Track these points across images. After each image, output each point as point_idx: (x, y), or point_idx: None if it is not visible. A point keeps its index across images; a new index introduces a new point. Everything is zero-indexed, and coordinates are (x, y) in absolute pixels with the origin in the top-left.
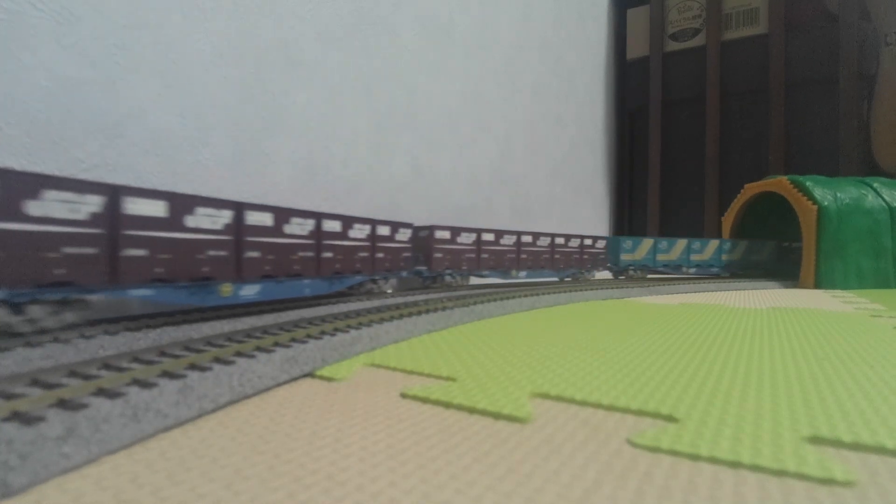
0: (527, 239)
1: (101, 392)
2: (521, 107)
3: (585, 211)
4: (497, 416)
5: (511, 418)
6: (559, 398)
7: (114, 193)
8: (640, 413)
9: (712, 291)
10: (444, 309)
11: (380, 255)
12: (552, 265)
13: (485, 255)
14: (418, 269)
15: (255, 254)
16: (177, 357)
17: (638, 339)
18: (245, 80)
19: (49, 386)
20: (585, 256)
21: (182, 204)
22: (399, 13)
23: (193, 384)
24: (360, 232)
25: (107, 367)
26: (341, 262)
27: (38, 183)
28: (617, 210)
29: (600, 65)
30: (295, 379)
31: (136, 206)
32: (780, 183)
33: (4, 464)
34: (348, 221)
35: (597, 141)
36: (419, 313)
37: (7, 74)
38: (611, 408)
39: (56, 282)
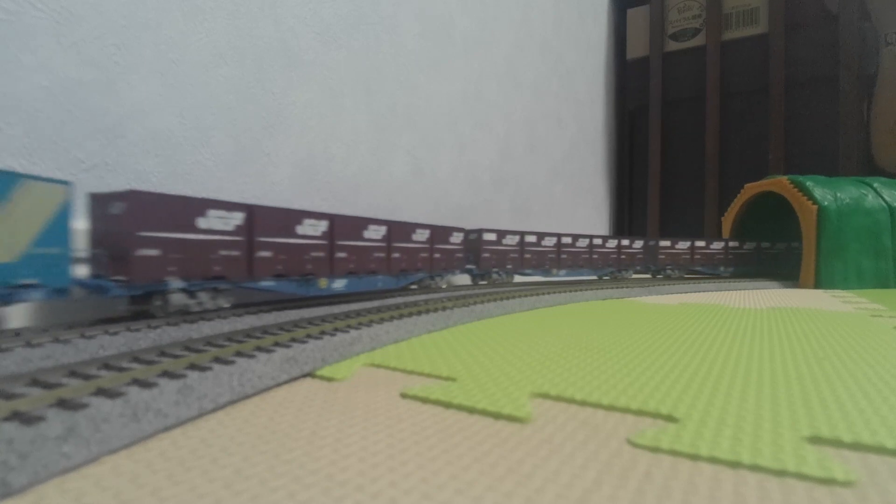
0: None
1: (101, 392)
2: (521, 107)
3: (585, 211)
4: (497, 416)
5: (511, 418)
6: (559, 398)
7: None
8: (640, 413)
9: (712, 291)
10: (444, 309)
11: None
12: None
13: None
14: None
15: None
16: (177, 357)
17: (638, 339)
18: (245, 80)
19: (49, 386)
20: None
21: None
22: (399, 13)
23: (193, 384)
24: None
25: (107, 367)
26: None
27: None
28: (617, 210)
29: (600, 64)
30: (295, 379)
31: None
32: (780, 183)
33: (4, 463)
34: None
35: (597, 141)
36: (419, 313)
37: (7, 74)
38: (611, 408)
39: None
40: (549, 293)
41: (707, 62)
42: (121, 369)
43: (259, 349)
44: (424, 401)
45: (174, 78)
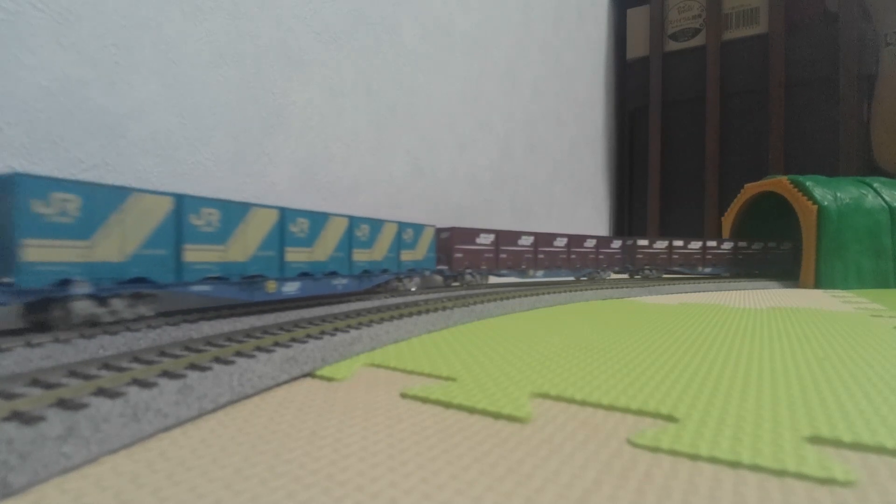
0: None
1: (101, 392)
2: (521, 106)
3: (585, 211)
4: (497, 416)
5: (511, 418)
6: (559, 398)
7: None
8: (640, 413)
9: (712, 291)
10: (444, 309)
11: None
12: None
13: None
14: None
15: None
16: (177, 357)
17: (638, 339)
18: (245, 80)
19: (49, 386)
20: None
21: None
22: (399, 13)
23: (193, 384)
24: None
25: (107, 366)
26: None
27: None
28: (617, 210)
29: (600, 65)
30: (295, 379)
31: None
32: (780, 183)
33: (4, 463)
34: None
35: (597, 141)
36: (419, 313)
37: (7, 74)
38: (611, 408)
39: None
40: (549, 293)
41: (707, 62)
42: (121, 369)
43: (259, 349)
44: (424, 401)
45: (174, 78)
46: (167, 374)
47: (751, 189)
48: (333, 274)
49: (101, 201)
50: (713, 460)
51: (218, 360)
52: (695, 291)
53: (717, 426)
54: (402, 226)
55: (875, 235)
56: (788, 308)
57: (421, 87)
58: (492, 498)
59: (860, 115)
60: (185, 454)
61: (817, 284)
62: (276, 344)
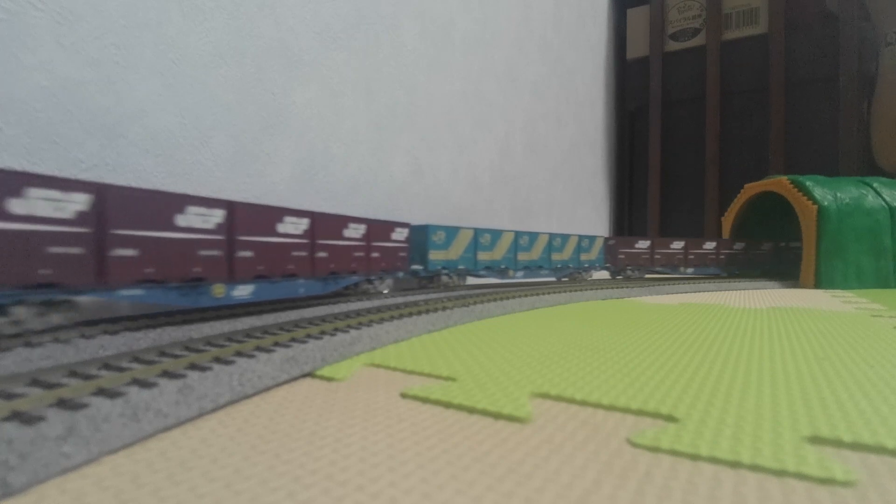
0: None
1: (101, 392)
2: (521, 107)
3: (585, 211)
4: (497, 416)
5: (511, 418)
6: (559, 398)
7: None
8: (640, 413)
9: (712, 291)
10: (444, 309)
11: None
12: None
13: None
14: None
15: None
16: (177, 357)
17: (638, 339)
18: (245, 80)
19: (49, 386)
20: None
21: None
22: (399, 13)
23: (193, 384)
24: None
25: (107, 366)
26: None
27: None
28: (617, 210)
29: (600, 65)
30: (295, 379)
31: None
32: (780, 183)
33: (4, 463)
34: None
35: (597, 141)
36: (419, 313)
37: (7, 74)
38: (611, 408)
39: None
40: (548, 293)
41: (707, 62)
42: (121, 369)
43: (259, 349)
44: (424, 401)
45: (174, 78)
46: (167, 374)
47: (751, 189)
48: (506, 269)
49: (452, 233)
50: (713, 460)
51: (218, 360)
52: (695, 291)
53: (717, 426)
54: (582, 237)
55: (875, 235)
56: (789, 308)
57: (421, 87)
58: (492, 498)
59: (860, 115)
60: (185, 454)
61: (817, 284)
62: (276, 344)
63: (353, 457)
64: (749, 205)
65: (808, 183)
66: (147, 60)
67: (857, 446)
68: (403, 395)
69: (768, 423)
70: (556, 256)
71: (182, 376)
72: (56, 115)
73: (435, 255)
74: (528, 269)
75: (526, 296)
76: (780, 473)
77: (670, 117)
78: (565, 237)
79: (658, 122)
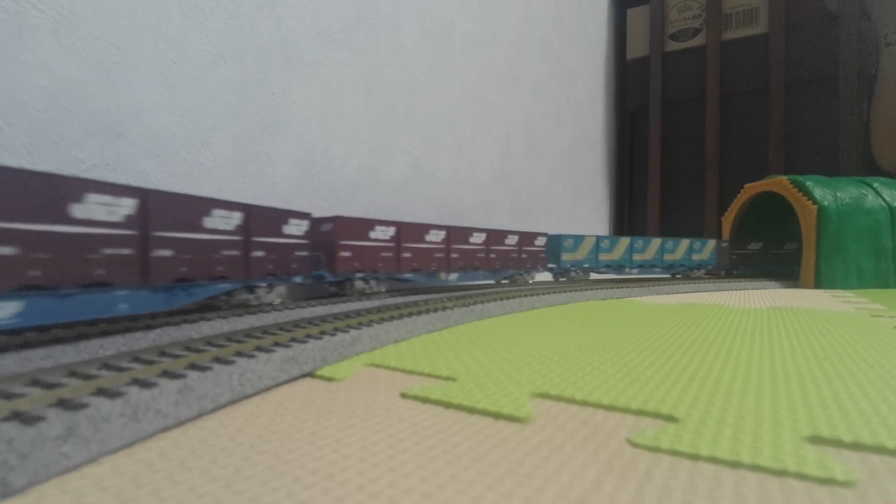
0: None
1: (101, 392)
2: (521, 107)
3: (585, 211)
4: (497, 416)
5: (511, 418)
6: (559, 398)
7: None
8: (640, 413)
9: (712, 291)
10: (443, 309)
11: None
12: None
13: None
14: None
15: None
16: (177, 357)
17: (638, 339)
18: (245, 80)
19: (49, 386)
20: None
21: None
22: (399, 13)
23: (193, 384)
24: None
25: (107, 367)
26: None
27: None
28: (617, 210)
29: (600, 65)
30: (295, 379)
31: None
32: (780, 183)
33: (4, 463)
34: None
35: (597, 141)
36: (419, 313)
37: (7, 74)
38: (611, 408)
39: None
40: (549, 293)
41: (707, 62)
42: (121, 369)
43: (259, 349)
44: (424, 401)
45: (174, 78)
46: (167, 374)
47: (751, 189)
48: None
49: (578, 240)
50: (713, 460)
51: (218, 360)
52: (695, 291)
53: (717, 426)
54: (693, 240)
55: (875, 235)
56: (788, 308)
57: (421, 87)
58: (492, 498)
59: (860, 115)
60: (185, 454)
61: (817, 284)
62: (276, 344)
63: (353, 457)
64: (749, 205)
65: (808, 183)
66: (147, 60)
67: (857, 446)
68: (403, 395)
69: (768, 423)
70: (668, 257)
71: (182, 376)
72: (56, 115)
73: (566, 257)
74: (642, 266)
75: (526, 296)
76: (780, 473)
77: (670, 117)
78: (677, 241)
79: (658, 122)
